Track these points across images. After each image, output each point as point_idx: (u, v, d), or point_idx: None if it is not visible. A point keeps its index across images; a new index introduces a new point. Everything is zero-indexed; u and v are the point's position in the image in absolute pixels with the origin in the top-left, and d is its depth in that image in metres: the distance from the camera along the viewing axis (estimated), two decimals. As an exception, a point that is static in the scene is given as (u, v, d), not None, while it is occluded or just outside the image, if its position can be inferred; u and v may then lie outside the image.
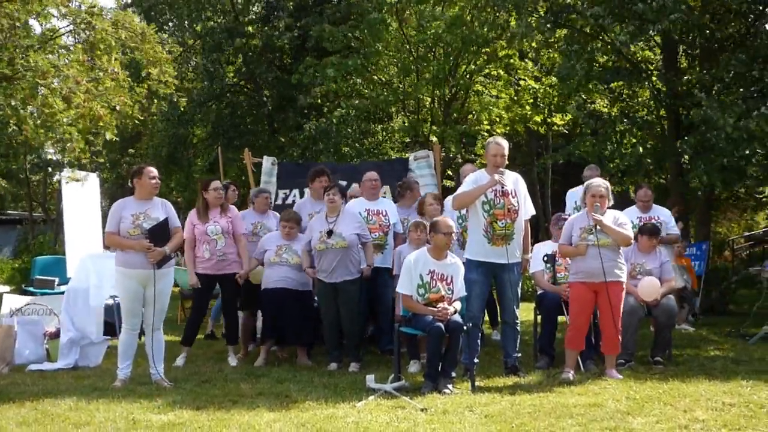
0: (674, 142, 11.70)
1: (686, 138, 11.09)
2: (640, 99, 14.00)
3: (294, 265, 7.68)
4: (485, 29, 15.92)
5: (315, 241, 7.47)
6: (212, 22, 20.09)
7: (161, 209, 6.69)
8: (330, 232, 7.41)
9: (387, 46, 17.19)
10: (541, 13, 12.78)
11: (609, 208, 6.88)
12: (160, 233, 6.54)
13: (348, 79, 17.41)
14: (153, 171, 6.70)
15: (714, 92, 11.27)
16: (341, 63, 16.13)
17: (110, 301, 9.18)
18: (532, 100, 18.82)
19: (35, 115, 9.82)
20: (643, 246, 7.66)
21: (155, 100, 12.08)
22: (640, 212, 8.60)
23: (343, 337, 7.62)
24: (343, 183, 8.83)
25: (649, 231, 7.75)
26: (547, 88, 18.03)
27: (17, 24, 9.72)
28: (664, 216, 8.61)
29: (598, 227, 6.68)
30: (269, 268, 7.74)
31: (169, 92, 10.98)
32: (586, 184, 7.00)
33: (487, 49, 17.24)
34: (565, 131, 20.63)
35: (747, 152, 10.47)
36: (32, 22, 10.60)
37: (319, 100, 19.23)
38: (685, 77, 12.29)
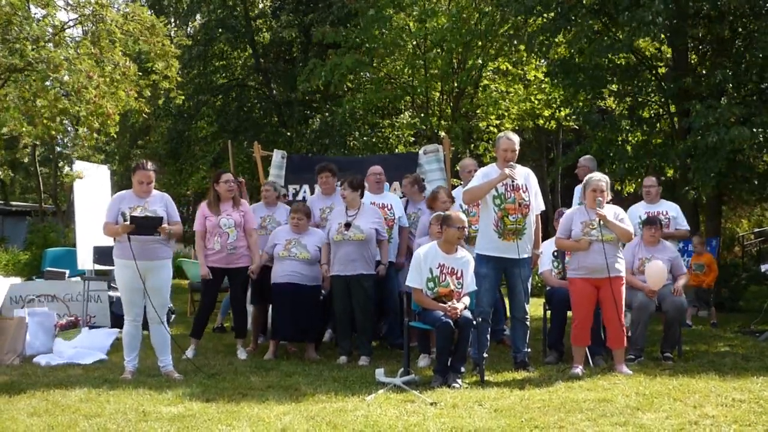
0: (676, 142, 11.64)
1: (681, 141, 11.00)
2: (645, 98, 13.88)
3: (303, 260, 7.65)
4: (487, 24, 15.91)
5: (333, 233, 7.49)
6: (217, 13, 20.07)
7: (160, 202, 6.71)
8: (348, 225, 7.44)
9: (388, 42, 17.10)
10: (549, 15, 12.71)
11: (607, 203, 6.86)
12: (147, 224, 6.49)
13: (347, 77, 17.35)
14: (144, 175, 6.63)
15: (703, 99, 11.13)
16: (338, 64, 16.09)
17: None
18: (541, 96, 18.75)
19: (45, 108, 9.86)
20: (646, 240, 7.64)
21: (161, 95, 12.10)
22: (647, 205, 8.54)
23: (355, 330, 7.64)
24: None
25: (649, 222, 7.75)
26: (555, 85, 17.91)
27: (18, 12, 9.73)
28: (672, 211, 8.52)
29: (601, 222, 6.66)
30: (278, 263, 7.73)
31: (171, 87, 11.00)
32: (586, 178, 6.94)
33: (495, 43, 17.19)
34: (576, 127, 20.56)
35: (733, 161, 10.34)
36: (34, 11, 10.62)
37: (326, 97, 19.25)
38: (685, 79, 12.18)
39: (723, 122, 9.95)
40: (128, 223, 6.44)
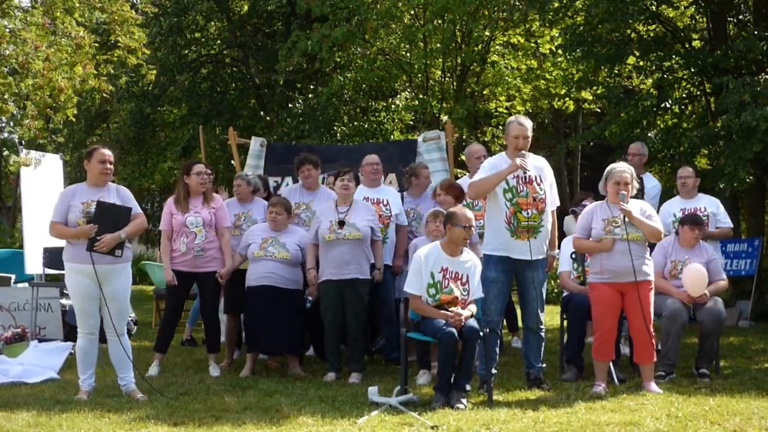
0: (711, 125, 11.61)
1: (715, 125, 10.99)
2: (673, 75, 13.88)
3: (281, 260, 7.63)
4: None
5: (324, 231, 7.46)
6: None
7: (116, 196, 6.66)
8: (342, 222, 7.42)
9: (382, 12, 17.05)
10: None
11: (632, 197, 6.85)
12: (110, 217, 6.45)
13: (337, 52, 17.32)
14: (104, 154, 6.63)
15: (739, 75, 11.09)
16: (326, 36, 16.04)
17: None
18: (557, 72, 18.69)
19: None
20: (685, 239, 7.60)
21: (123, 73, 11.99)
22: (682, 201, 8.51)
23: (345, 343, 7.61)
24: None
25: (691, 220, 7.69)
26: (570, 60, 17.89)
27: None
28: (712, 206, 8.46)
29: (626, 219, 6.66)
30: (253, 264, 7.72)
31: (140, 61, 10.93)
32: (607, 169, 6.95)
33: (504, 12, 17.16)
34: (598, 110, 20.54)
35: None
36: None
37: (309, 76, 19.21)
38: (718, 50, 12.16)
39: (763, 101, 9.94)
40: (93, 212, 6.38)
